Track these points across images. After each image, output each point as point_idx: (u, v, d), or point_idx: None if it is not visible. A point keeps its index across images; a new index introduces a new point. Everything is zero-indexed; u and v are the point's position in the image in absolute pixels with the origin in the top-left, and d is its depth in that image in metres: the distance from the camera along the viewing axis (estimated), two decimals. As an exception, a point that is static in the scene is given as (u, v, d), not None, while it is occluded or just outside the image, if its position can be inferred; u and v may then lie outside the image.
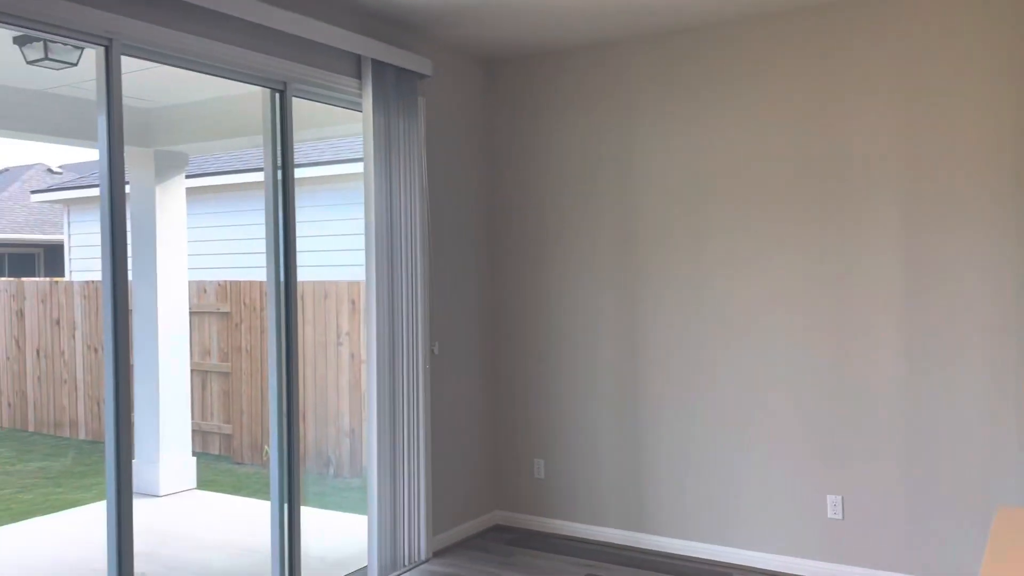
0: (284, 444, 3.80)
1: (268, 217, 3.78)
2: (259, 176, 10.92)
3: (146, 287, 6.30)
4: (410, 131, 4.29)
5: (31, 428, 9.76)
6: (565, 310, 4.97)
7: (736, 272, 4.45)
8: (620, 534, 4.79)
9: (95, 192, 12.33)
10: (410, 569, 4.30)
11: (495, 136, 5.22)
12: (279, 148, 3.81)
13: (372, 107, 4.04)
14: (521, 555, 4.60)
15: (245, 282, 8.31)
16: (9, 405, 10.01)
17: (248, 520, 5.65)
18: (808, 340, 4.26)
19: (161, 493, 6.16)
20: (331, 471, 7.42)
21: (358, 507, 6.31)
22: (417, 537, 4.34)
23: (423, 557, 4.39)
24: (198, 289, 8.50)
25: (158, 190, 6.26)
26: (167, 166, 6.33)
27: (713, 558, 4.49)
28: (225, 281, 8.48)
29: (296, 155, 3.90)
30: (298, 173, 3.90)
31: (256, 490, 7.07)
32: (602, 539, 4.83)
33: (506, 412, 5.17)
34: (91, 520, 5.69)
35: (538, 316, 5.07)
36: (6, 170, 22.81)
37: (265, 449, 8.00)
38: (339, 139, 10.65)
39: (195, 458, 6.50)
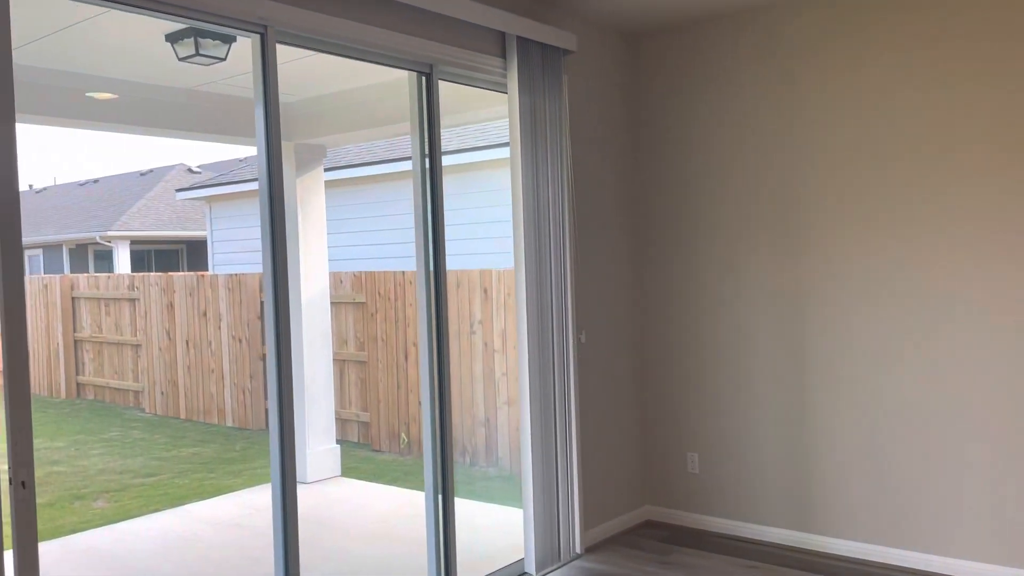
0: (436, 435, 3.72)
1: (416, 205, 3.70)
2: (390, 168, 11.07)
3: (290, 279, 6.42)
4: (555, 111, 4.12)
5: (183, 416, 10.28)
6: (719, 294, 4.70)
7: (924, 245, 4.06)
8: (784, 534, 4.49)
9: (235, 189, 12.84)
10: (565, 564, 4.16)
11: (639, 114, 4.98)
12: (426, 134, 3.72)
13: (518, 87, 3.90)
14: (679, 554, 4.38)
15: (379, 272, 8.41)
16: (162, 393, 10.58)
17: (395, 509, 5.67)
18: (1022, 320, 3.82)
19: (308, 480, 6.28)
20: (467, 460, 7.41)
21: (495, 496, 6.25)
22: (571, 531, 4.20)
23: (577, 552, 4.24)
24: (334, 280, 8.68)
25: (298, 183, 6.37)
26: (307, 159, 6.43)
27: (899, 564, 4.14)
28: (360, 272, 8.62)
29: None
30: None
31: (395, 478, 7.14)
32: (764, 539, 4.55)
33: (656, 403, 4.95)
34: (244, 505, 5.86)
35: (689, 301, 4.82)
36: (150, 171, 24.27)
37: (402, 436, 8.08)
38: (467, 126, 10.66)
39: (339, 446, 6.60)
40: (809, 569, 4.11)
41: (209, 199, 13.27)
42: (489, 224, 10.09)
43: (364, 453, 8.07)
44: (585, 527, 4.42)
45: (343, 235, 11.41)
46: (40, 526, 5.94)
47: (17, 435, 2.23)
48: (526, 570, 4.03)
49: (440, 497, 3.72)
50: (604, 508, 4.62)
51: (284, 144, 6.29)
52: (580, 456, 4.30)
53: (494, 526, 5.20)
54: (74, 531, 5.76)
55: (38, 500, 6.62)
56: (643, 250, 4.97)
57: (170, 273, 10.72)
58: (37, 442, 8.99)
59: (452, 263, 9.63)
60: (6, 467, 2.22)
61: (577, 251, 4.45)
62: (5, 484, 2.21)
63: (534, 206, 4.04)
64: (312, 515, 5.53)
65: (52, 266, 21.78)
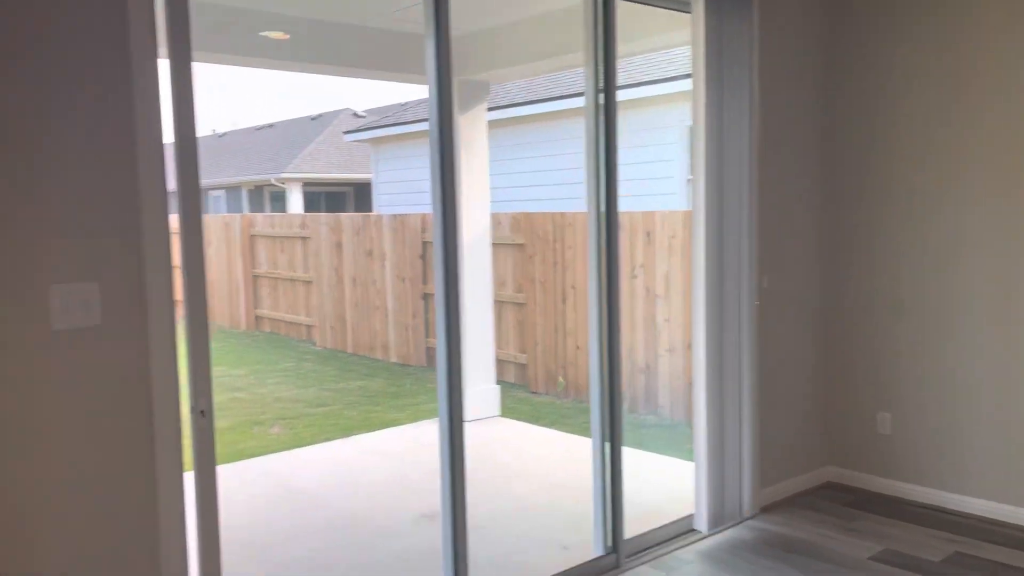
0: (605, 381, 3.54)
1: (589, 143, 3.47)
2: (551, 107, 10.82)
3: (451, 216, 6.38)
4: (744, 36, 3.73)
5: (350, 350, 10.72)
6: (918, 239, 4.19)
7: None
8: (990, 506, 4.02)
9: (398, 131, 13.06)
10: (737, 524, 3.92)
11: (835, 46, 4.47)
12: (600, 66, 3.45)
13: (704, 5, 3.54)
14: (865, 520, 4.02)
15: (538, 214, 8.28)
16: (332, 328, 11.06)
17: (554, 451, 5.59)
18: None
19: (468, 418, 6.32)
20: (626, 407, 7.24)
21: (655, 446, 6.05)
22: (744, 489, 3.94)
23: (750, 512, 3.98)
24: (494, 221, 8.63)
25: (461, 122, 6.27)
26: (470, 97, 6.32)
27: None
28: (519, 213, 8.52)
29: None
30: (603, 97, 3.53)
31: (553, 420, 7.08)
32: (966, 510, 4.10)
33: (845, 356, 4.53)
34: (409, 439, 5.98)
35: (883, 246, 4.33)
36: (320, 116, 25.29)
37: (559, 380, 8.01)
38: (630, 58, 10.22)
39: (498, 387, 6.59)
40: (1020, 547, 3.66)
41: (374, 141, 13.59)
42: (652, 164, 9.69)
43: (521, 394, 8.08)
44: (760, 485, 4.14)
45: (502, 176, 11.35)
46: (222, 449, 6.34)
47: (196, 366, 2.24)
48: (696, 527, 3.82)
49: (608, 445, 3.56)
50: (781, 467, 4.32)
51: (448, 80, 6.19)
52: (757, 410, 4.00)
53: (656, 476, 5.00)
54: (252, 455, 6.10)
55: (221, 424, 7.08)
56: (833, 191, 4.51)
57: (339, 214, 11.08)
58: (220, 370, 9.65)
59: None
60: (187, 396, 2.24)
61: (761, 192, 4.07)
62: (186, 412, 2.23)
63: (717, 140, 3.70)
64: (472, 453, 5.54)
65: (233, 206, 23.29)
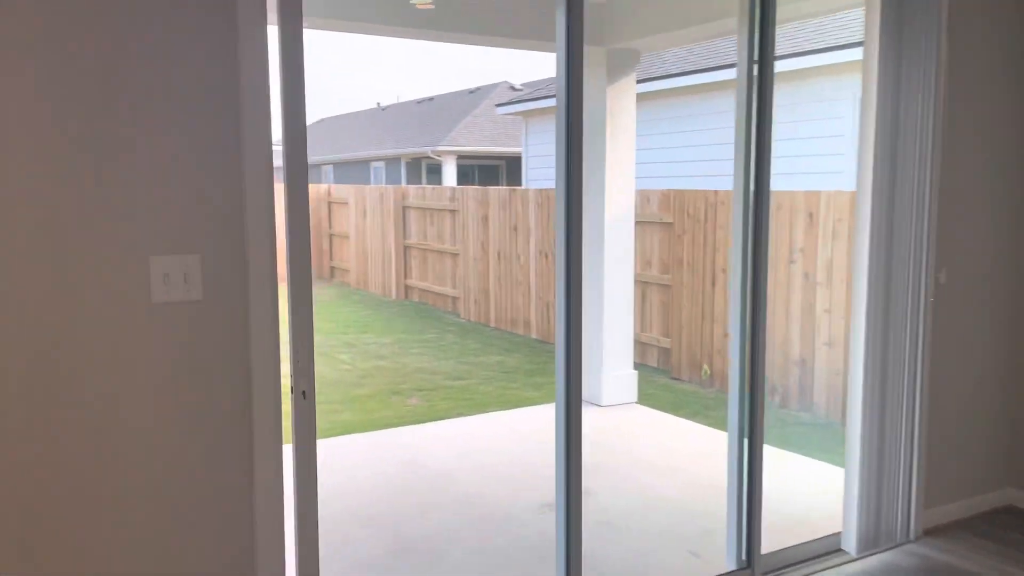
0: (746, 371, 3.21)
1: (739, 117, 3.12)
2: (706, 78, 10.28)
3: (594, 194, 6.13)
4: (928, -10, 3.23)
5: (492, 324, 10.72)
6: None
7: None
8: None
9: (548, 104, 12.86)
10: (893, 547, 3.48)
11: (1041, -8, 3.82)
12: (756, 34, 3.08)
13: (881, -42, 3.09)
14: (1049, 555, 3.47)
15: (689, 191, 7.85)
16: (475, 302, 11.10)
17: (692, 445, 5.27)
18: None
19: (603, 403, 6.10)
20: (776, 400, 6.75)
21: (805, 446, 5.57)
22: (905, 509, 3.49)
23: (911, 535, 3.53)
24: (641, 198, 8.28)
25: (609, 93, 5.98)
26: (619, 66, 6.00)
27: None
28: (668, 190, 8.12)
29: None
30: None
31: (695, 411, 6.72)
32: None
33: (1029, 364, 3.93)
34: (542, 419, 5.83)
35: (1093, 239, 3.69)
36: (477, 89, 25.53)
37: (704, 368, 7.61)
38: (788, 23, 9.49)
39: (636, 372, 6.31)
40: None
41: (525, 114, 13.46)
42: (819, 140, 8.97)
43: (663, 380, 7.74)
44: (924, 505, 3.66)
45: (654, 151, 10.92)
46: (362, 417, 6.45)
47: (299, 346, 2.15)
48: (844, 547, 3.42)
49: (746, 443, 3.22)
50: (951, 485, 3.81)
51: (595, 50, 5.91)
52: (925, 417, 3.52)
53: (803, 482, 4.58)
54: (388, 425, 6.16)
55: (362, 392, 7.22)
56: (1031, 171, 3.89)
57: (486, 186, 11.06)
58: (368, 337, 9.90)
59: (772, 183, 8.74)
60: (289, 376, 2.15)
61: (942, 173, 3.55)
62: (287, 389, 2.15)
63: (892, 113, 3.24)
64: (604, 440, 5.32)
65: (391, 177, 23.98)
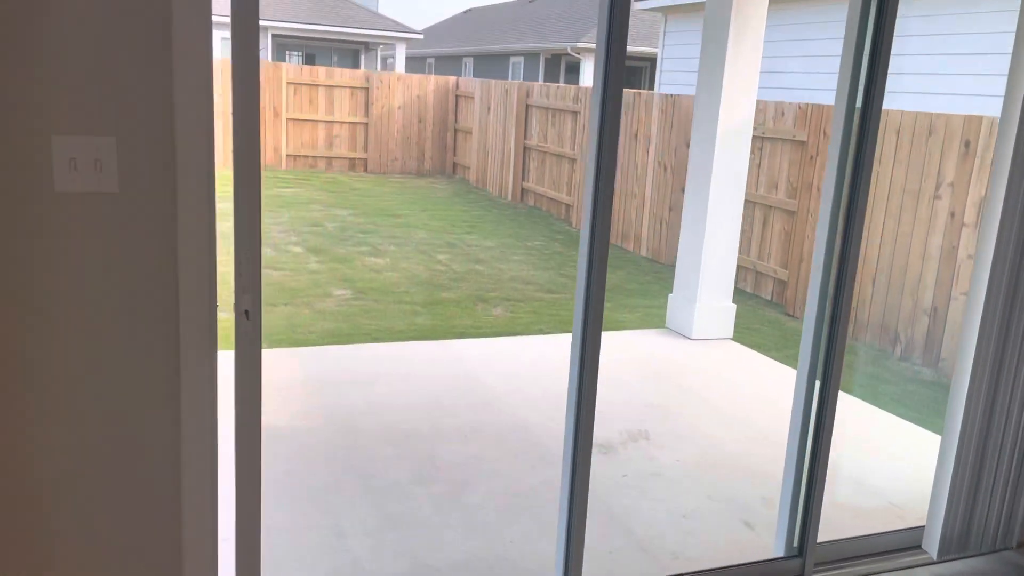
0: (826, 308, 2.65)
1: (852, 15, 2.45)
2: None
3: (708, 105, 5.44)
4: None
5: (603, 235, 10.19)
6: None
7: None
8: None
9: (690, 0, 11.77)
10: (986, 554, 2.90)
11: None
12: None
13: None
14: None
15: (828, 107, 6.93)
16: (588, 210, 10.56)
17: (774, 393, 4.70)
18: None
19: (693, 336, 5.58)
20: (897, 351, 6.00)
21: (917, 411, 4.89)
22: (1008, 508, 2.88)
23: (1010, 541, 2.93)
24: (775, 112, 7.42)
25: (736, -14, 5.19)
26: (752, -46, 5.18)
27: None
28: (807, 104, 7.22)
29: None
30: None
31: (795, 353, 6.10)
32: None
33: None
34: (615, 348, 5.39)
35: None
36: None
37: (821, 307, 6.88)
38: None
39: (734, 306, 5.71)
40: None
41: (665, 10, 12.42)
42: (989, 57, 7.68)
43: (773, 314, 7.08)
44: (1036, 509, 3.02)
45: (795, 59, 9.79)
46: (440, 323, 6.23)
47: (242, 255, 1.82)
48: (924, 546, 2.87)
49: (819, 386, 2.69)
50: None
51: (725, -68, 5.10)
52: (1053, 410, 2.86)
53: (903, 454, 3.98)
54: (463, 335, 5.91)
55: (448, 296, 6.99)
56: None
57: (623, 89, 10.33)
58: (472, 239, 9.64)
59: (925, 103, 7.59)
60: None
61: None
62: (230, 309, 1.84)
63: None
64: (679, 378, 4.85)
65: (530, 73, 23.26)
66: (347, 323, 6.00)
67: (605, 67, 2.16)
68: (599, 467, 3.60)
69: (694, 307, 5.58)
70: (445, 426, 3.92)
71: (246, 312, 1.85)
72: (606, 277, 2.37)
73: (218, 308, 1.82)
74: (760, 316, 6.97)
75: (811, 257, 6.95)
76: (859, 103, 2.47)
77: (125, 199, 1.69)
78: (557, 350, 5.24)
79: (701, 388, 4.72)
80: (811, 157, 7.00)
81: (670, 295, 5.86)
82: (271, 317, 5.99)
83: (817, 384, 2.69)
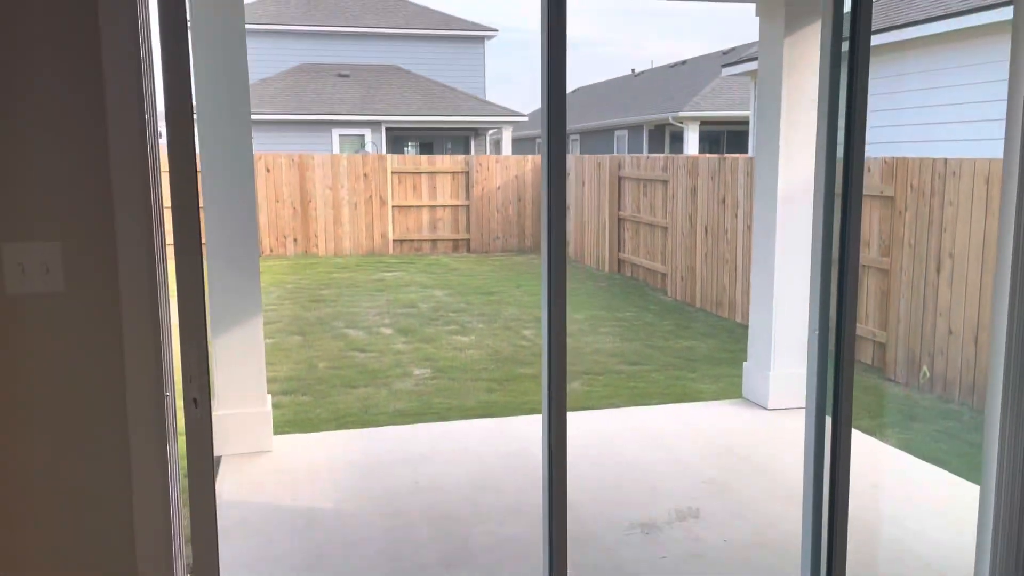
0: (831, 317, 2.46)
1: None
2: (944, 26, 8.62)
3: (766, 167, 5.29)
4: None
5: (697, 303, 9.95)
6: None
7: None
8: None
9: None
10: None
11: None
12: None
13: None
14: None
15: (913, 160, 6.57)
16: (682, 279, 10.37)
17: (861, 470, 4.35)
18: None
19: (769, 406, 5.30)
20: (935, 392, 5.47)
21: (957, 457, 4.35)
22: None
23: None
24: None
25: (786, 45, 5.08)
26: (800, 13, 5.08)
27: None
28: (892, 159, 6.88)
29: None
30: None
31: (890, 423, 5.66)
32: None
33: None
34: (687, 420, 5.17)
35: None
36: (732, 50, 24.01)
37: (923, 370, 6.40)
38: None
39: (813, 373, 5.39)
40: None
41: (753, 74, 12.26)
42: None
43: (872, 380, 6.64)
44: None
45: (878, 113, 9.38)
46: (511, 399, 6.20)
47: (188, 345, 1.90)
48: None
49: (828, 423, 2.49)
50: None
51: (767, -7, 5.03)
52: None
53: (943, 508, 3.58)
54: (533, 410, 5.86)
55: (525, 371, 6.96)
56: None
57: (696, 155, 10.24)
58: (561, 312, 9.62)
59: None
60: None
61: None
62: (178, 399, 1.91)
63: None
64: (746, 450, 4.59)
65: (634, 145, 23.39)
66: (419, 402, 6.07)
67: (548, 118, 2.15)
68: (638, 549, 3.44)
69: (768, 375, 5.32)
70: (486, 506, 3.87)
71: (194, 400, 1.91)
72: (566, 311, 2.31)
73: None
74: (856, 382, 6.54)
75: (907, 318, 6.52)
76: (840, 154, 2.34)
77: (72, 298, 1.81)
78: (620, 424, 5.10)
79: (766, 461, 4.45)
80: (900, 212, 6.64)
81: (745, 364, 5.62)
82: (347, 399, 6.15)
83: (828, 423, 2.49)
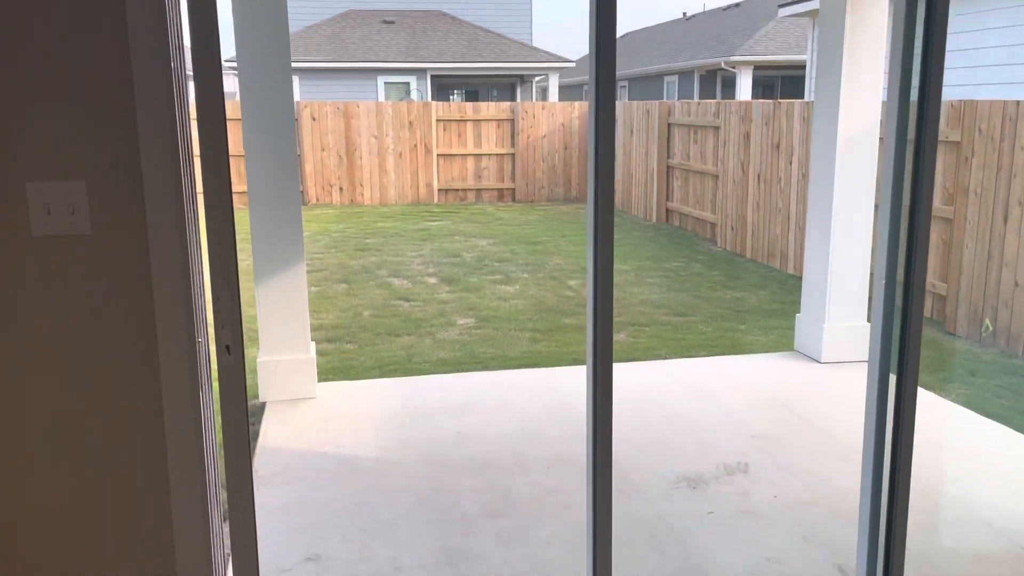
0: (900, 266, 2.32)
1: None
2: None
3: (826, 112, 5.03)
4: None
5: (747, 254, 9.70)
6: None
7: None
8: None
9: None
10: None
11: None
12: None
13: None
14: None
15: (983, 102, 6.21)
16: (732, 229, 10.10)
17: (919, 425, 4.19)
18: None
19: (822, 359, 5.13)
20: (981, 336, 5.22)
21: (1009, 409, 4.14)
22: None
23: None
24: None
25: (851, -23, 4.78)
26: (867, -58, 4.76)
27: None
28: (959, 102, 6.51)
29: None
30: None
31: (950, 378, 5.45)
32: None
33: None
34: (739, 374, 5.04)
35: None
36: (737, 6, 23.11)
37: (985, 323, 6.14)
38: None
39: (868, 325, 5.19)
40: None
41: (812, 14, 11.74)
42: None
43: (931, 334, 6.40)
44: None
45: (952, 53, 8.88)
46: (556, 349, 6.12)
47: (220, 290, 1.83)
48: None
49: (893, 383, 2.35)
50: None
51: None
52: None
53: (1012, 466, 3.42)
54: (576, 360, 5.77)
55: (572, 322, 6.87)
56: None
57: (750, 101, 9.88)
58: (608, 262, 9.47)
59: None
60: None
61: None
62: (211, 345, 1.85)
63: None
64: (798, 405, 4.45)
65: (684, 91, 22.78)
66: (463, 351, 6.03)
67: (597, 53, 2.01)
68: (684, 503, 3.36)
69: (822, 327, 5.14)
70: (529, 457, 3.81)
71: (227, 347, 1.86)
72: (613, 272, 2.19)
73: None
74: (913, 336, 6.31)
75: (971, 268, 6.24)
76: (913, 96, 2.15)
77: (98, 240, 1.76)
78: (665, 376, 4.99)
79: (819, 416, 4.31)
80: (966, 159, 6.30)
81: (797, 315, 5.44)
82: (391, 347, 6.14)
83: (892, 380, 2.36)
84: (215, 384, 1.92)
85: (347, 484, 3.55)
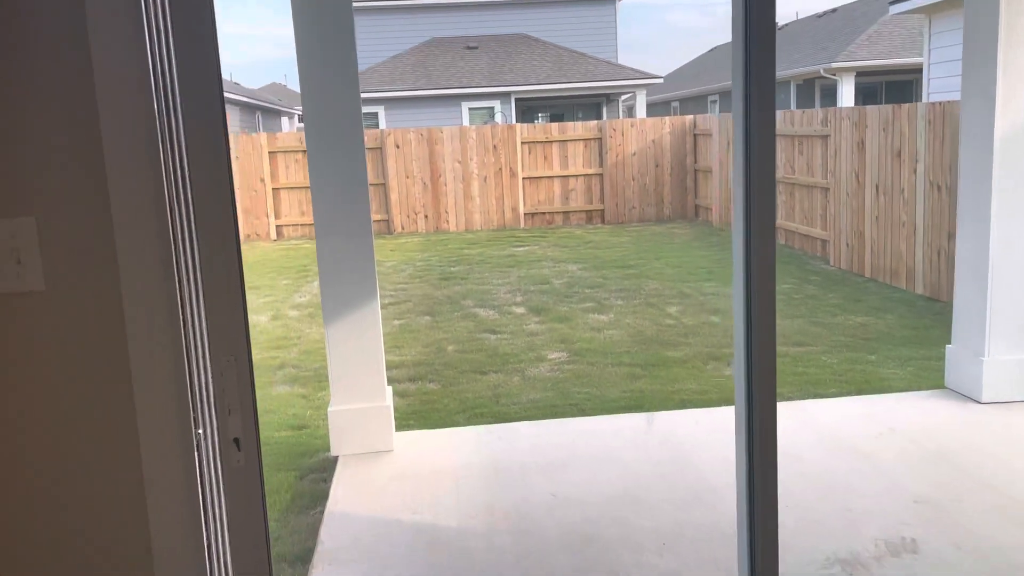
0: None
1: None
2: None
3: (978, 111, 4.26)
4: None
5: (867, 273, 8.79)
6: None
7: None
8: None
9: (959, -9, 10.04)
10: None
11: None
12: None
13: None
14: None
15: None
16: (848, 245, 9.21)
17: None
18: None
19: (983, 399, 4.32)
20: None
21: None
22: None
23: None
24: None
25: (1007, -54, 4.03)
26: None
27: None
28: None
29: None
30: None
31: None
32: None
33: None
34: (874, 418, 4.28)
35: None
36: (834, 11, 21.81)
37: None
38: None
39: (1041, 359, 4.36)
40: None
41: (928, 10, 10.75)
42: None
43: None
44: None
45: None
46: (660, 387, 5.46)
47: (223, 366, 1.32)
48: None
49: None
50: None
51: None
52: None
53: None
54: (683, 402, 5.11)
55: (675, 354, 6.19)
56: None
57: (872, 106, 9.01)
58: (710, 286, 8.74)
59: None
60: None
61: None
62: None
63: None
64: (963, 456, 3.67)
65: (780, 102, 21.73)
66: (555, 391, 5.45)
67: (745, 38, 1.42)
68: (839, 595, 2.67)
69: (982, 361, 4.33)
70: (638, 529, 3.19)
71: (235, 441, 1.34)
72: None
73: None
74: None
75: None
76: None
77: (53, 297, 1.27)
78: (791, 421, 4.27)
79: (991, 473, 3.52)
80: None
81: (948, 347, 4.64)
82: (477, 386, 5.62)
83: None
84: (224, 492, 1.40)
85: (422, 561, 3.02)
